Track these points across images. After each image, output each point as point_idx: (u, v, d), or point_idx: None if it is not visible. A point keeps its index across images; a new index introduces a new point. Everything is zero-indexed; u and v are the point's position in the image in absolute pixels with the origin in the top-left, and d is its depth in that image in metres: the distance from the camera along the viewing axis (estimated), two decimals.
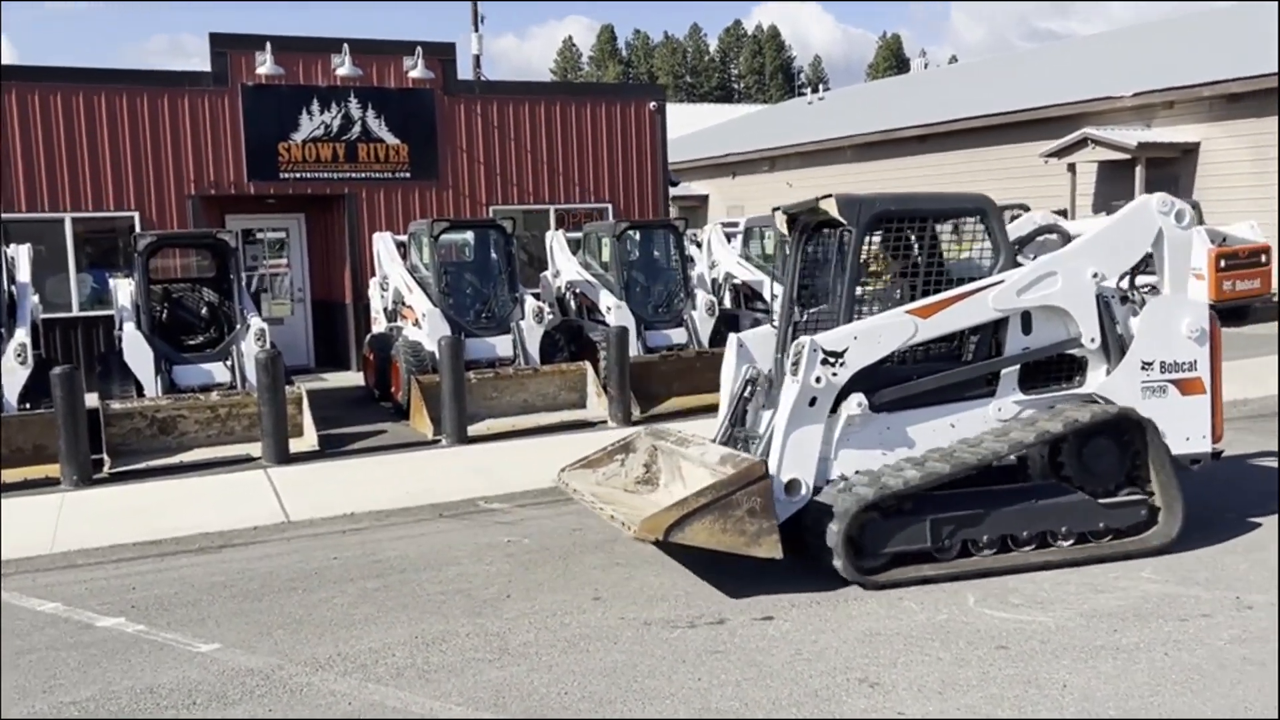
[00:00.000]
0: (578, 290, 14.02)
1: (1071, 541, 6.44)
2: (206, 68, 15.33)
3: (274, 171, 15.53)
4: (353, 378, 15.28)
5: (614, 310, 12.99)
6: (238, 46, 15.35)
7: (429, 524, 7.93)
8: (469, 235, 13.59)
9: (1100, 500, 6.51)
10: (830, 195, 6.71)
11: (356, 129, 15.96)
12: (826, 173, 31.41)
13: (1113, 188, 22.51)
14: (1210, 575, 6.05)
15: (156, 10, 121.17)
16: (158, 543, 7.58)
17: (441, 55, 16.48)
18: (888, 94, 40.84)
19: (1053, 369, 6.91)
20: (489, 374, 11.58)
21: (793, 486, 6.24)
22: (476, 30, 27.52)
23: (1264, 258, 17.89)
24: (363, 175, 16.06)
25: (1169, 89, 21.72)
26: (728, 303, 14.82)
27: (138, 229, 14.24)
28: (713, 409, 11.85)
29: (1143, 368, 6.84)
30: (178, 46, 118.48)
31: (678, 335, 13.25)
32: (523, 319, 12.21)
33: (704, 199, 37.22)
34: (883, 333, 6.41)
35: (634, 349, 12.40)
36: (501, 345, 12.19)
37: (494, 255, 12.83)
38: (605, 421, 11.35)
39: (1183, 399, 6.86)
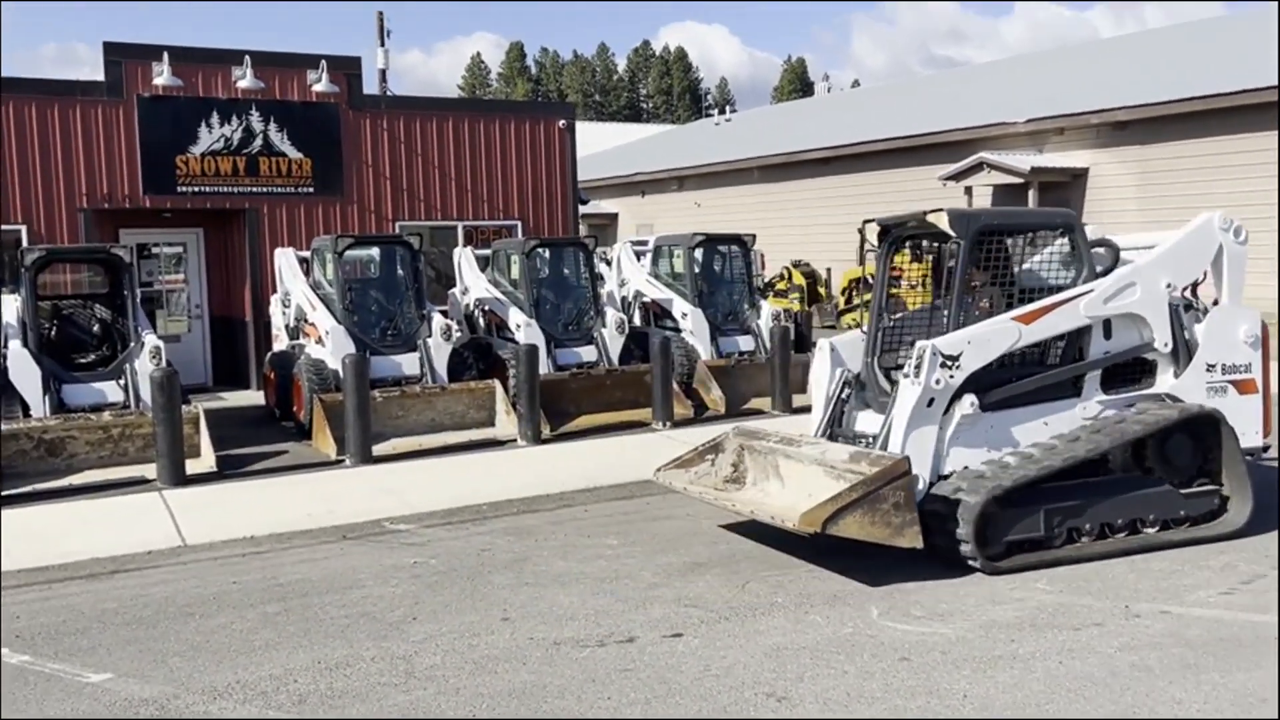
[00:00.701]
0: (486, 308, 13.93)
1: (1156, 528, 6.97)
2: (100, 77, 14.86)
3: (171, 185, 15.11)
4: (253, 397, 14.92)
5: (523, 328, 12.94)
6: (133, 56, 14.91)
7: (332, 546, 7.76)
8: (374, 251, 13.40)
9: (1181, 490, 7.08)
10: (941, 209, 7.26)
11: (258, 142, 15.63)
12: (735, 193, 31.84)
13: None
14: (1101, 585, 6.27)
15: (48, 16, 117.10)
16: (44, 569, 7.27)
17: (346, 69, 16.26)
18: (793, 117, 41.63)
19: (1127, 371, 7.51)
20: (395, 392, 11.41)
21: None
22: (383, 44, 27.24)
23: None
24: (264, 190, 15.72)
25: (1059, 116, 22.58)
26: (637, 321, 14.86)
27: (25, 243, 13.69)
28: (624, 426, 11.97)
29: (1207, 369, 7.55)
30: (70, 55, 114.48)
31: (588, 353, 13.26)
32: (430, 336, 12.07)
33: (614, 217, 37.37)
34: (992, 338, 6.91)
35: (544, 367, 12.36)
36: (408, 363, 12.03)
37: (400, 272, 12.67)
38: (515, 440, 11.28)
39: (1240, 398, 7.57)
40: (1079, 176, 22.30)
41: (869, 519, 6.20)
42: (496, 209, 17.38)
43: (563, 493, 9.04)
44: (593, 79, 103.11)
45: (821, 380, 7.71)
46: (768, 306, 14.57)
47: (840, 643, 5.50)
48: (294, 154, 15.86)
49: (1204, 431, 7.22)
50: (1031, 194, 22.10)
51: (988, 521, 6.50)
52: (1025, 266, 7.58)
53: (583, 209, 29.89)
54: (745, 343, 14.22)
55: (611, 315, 13.39)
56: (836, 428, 7.53)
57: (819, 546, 7.20)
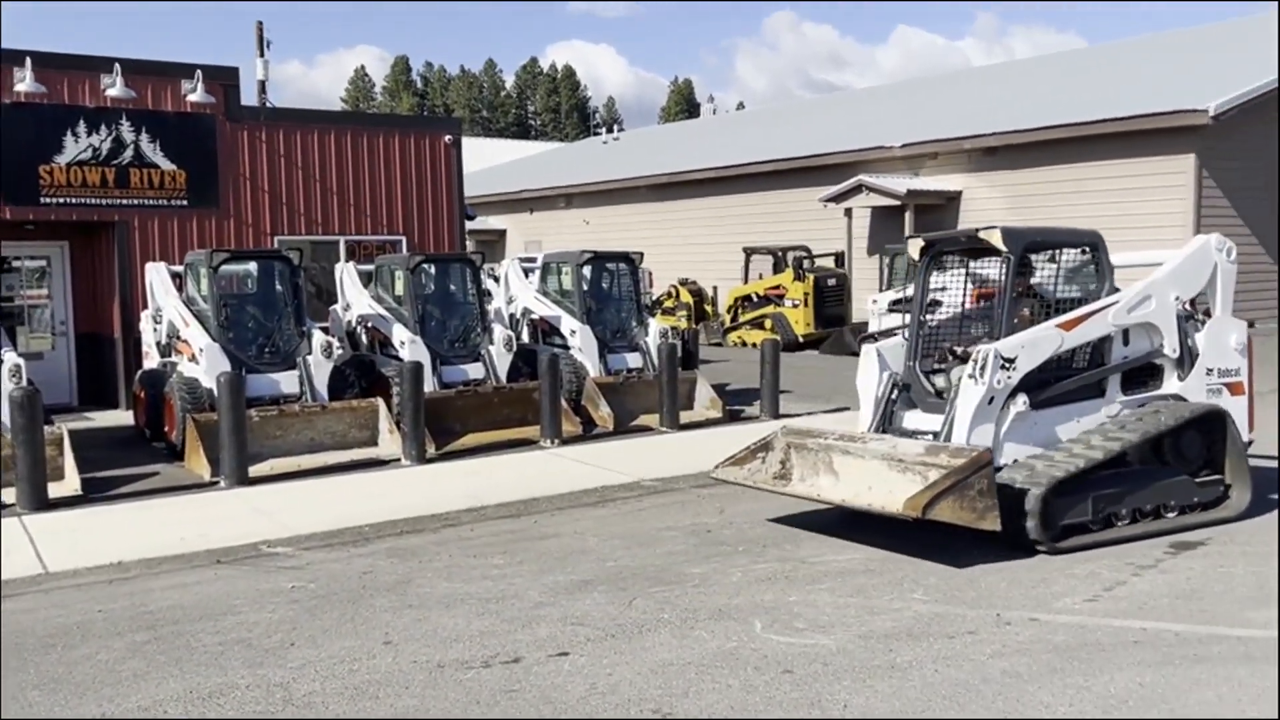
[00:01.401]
0: (369, 324, 13.67)
1: (1176, 513, 7.75)
2: None
3: (34, 196, 14.43)
4: (122, 417, 14.31)
5: (408, 345, 12.74)
6: None
7: (205, 571, 7.49)
8: (252, 266, 13.02)
9: (1196, 478, 7.93)
10: (994, 227, 8.00)
11: (129, 153, 15.06)
12: (623, 211, 32.04)
13: (885, 231, 24.00)
14: (975, 594, 6.48)
15: None
16: None
17: (223, 80, 15.82)
18: (680, 137, 42.15)
19: (1140, 375, 8.39)
20: (273, 411, 11.10)
21: None
22: (262, 55, 26.57)
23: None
24: (135, 202, 15.15)
25: (934, 141, 23.41)
26: (526, 338, 14.78)
27: None
28: (512, 444, 11.88)
29: (1207, 373, 8.48)
30: None
31: (475, 370, 13.12)
32: (310, 354, 11.78)
33: (502, 233, 37.17)
34: (1040, 342, 7.70)
35: (429, 384, 12.19)
36: (287, 381, 11.71)
37: (279, 287, 12.34)
38: (399, 460, 11.08)
39: (1232, 398, 8.51)
40: (953, 199, 23.14)
41: (959, 504, 6.79)
42: (380, 224, 17.11)
43: (448, 512, 8.91)
44: (480, 95, 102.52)
45: (870, 383, 8.43)
46: (655, 324, 14.68)
47: (725, 657, 5.55)
48: (167, 165, 15.33)
49: (1212, 427, 8.11)
50: (908, 216, 22.83)
51: (1049, 508, 7.13)
52: (1049, 279, 8.47)
53: (470, 225, 29.62)
54: (633, 360, 14.29)
55: (499, 332, 13.29)
56: (887, 426, 8.23)
57: (707, 561, 7.27)
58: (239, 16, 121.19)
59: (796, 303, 22.15)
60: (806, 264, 22.69)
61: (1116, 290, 8.19)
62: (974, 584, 6.67)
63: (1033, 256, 8.35)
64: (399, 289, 13.52)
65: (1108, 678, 5.12)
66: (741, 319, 23.57)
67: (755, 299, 23.40)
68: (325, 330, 12.90)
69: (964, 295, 8.87)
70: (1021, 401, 7.64)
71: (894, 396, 8.32)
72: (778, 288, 22.77)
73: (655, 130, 55.74)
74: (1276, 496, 8.63)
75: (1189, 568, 6.86)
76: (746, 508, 8.91)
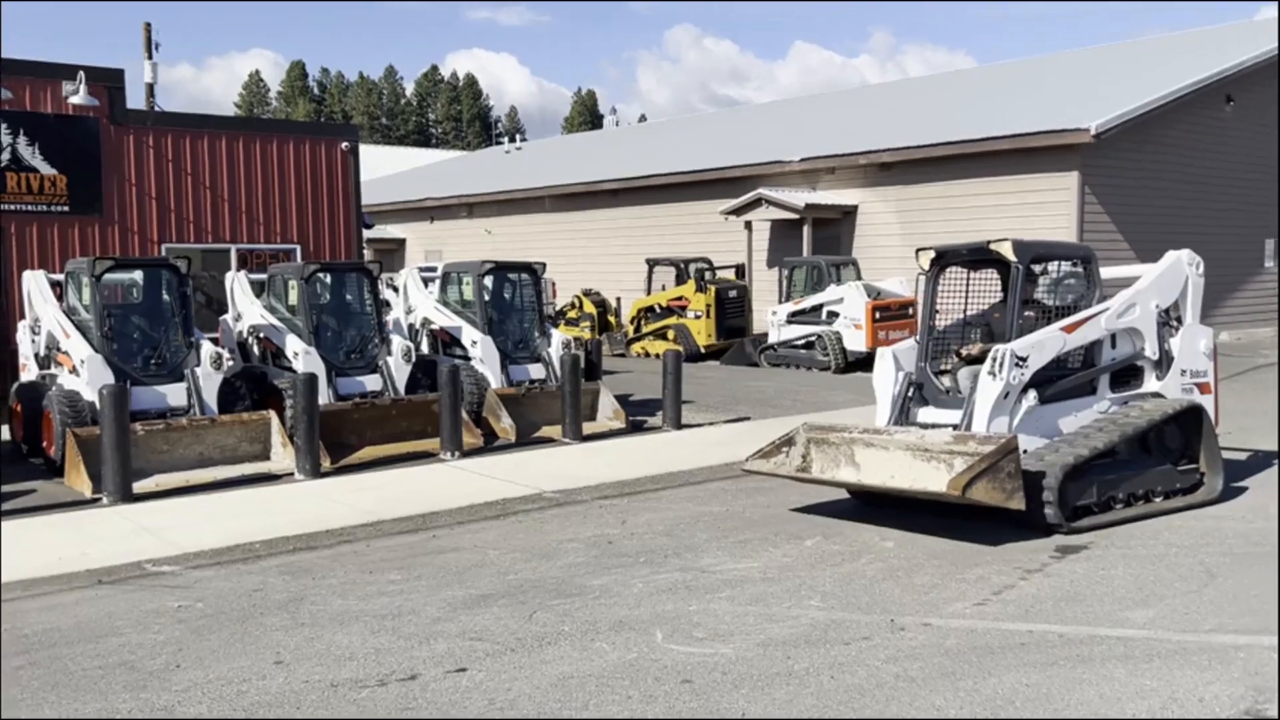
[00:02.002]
0: (262, 335, 13.31)
1: (1162, 498, 8.56)
2: None
3: None
4: None
5: (302, 356, 12.44)
6: None
7: (86, 591, 7.17)
8: (137, 275, 12.55)
9: (1178, 466, 8.79)
10: (1005, 239, 8.75)
11: (5, 156, 14.43)
12: (526, 221, 31.91)
13: (784, 244, 24.39)
14: (870, 600, 6.59)
15: None
16: None
17: (108, 82, 15.27)
18: (583, 147, 42.19)
19: (1124, 376, 9.26)
20: (159, 425, 10.72)
21: None
22: (150, 58, 25.75)
23: (911, 310, 19.94)
24: (12, 207, 14.51)
25: (831, 156, 23.89)
26: (425, 348, 14.57)
27: None
28: (410, 457, 11.68)
29: (1181, 373, 9.39)
30: None
31: (372, 382, 12.88)
32: (198, 365, 11.42)
33: (401, 243, 36.67)
34: (1046, 343, 8.47)
35: (324, 396, 11.93)
36: (174, 394, 11.32)
37: (166, 297, 11.94)
38: (292, 474, 10.80)
39: (1201, 396, 9.41)
40: (849, 213, 23.64)
41: (992, 485, 7.38)
42: (274, 232, 16.70)
43: (343, 528, 8.72)
44: (379, 102, 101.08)
45: (886, 382, 9.07)
46: (558, 335, 14.63)
47: (625, 668, 5.54)
48: (47, 170, 14.72)
49: (1189, 421, 9.00)
50: (806, 229, 23.24)
51: (1064, 491, 7.87)
52: (1045, 288, 9.34)
53: (368, 233, 29.14)
54: (536, 371, 14.21)
55: (397, 343, 13.08)
56: (903, 421, 8.86)
57: (609, 572, 7.25)
58: (125, 17, 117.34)
59: (699, 314, 22.34)
60: (708, 276, 22.91)
61: (1105, 298, 9.09)
62: (869, 590, 6.79)
63: (1034, 267, 9.14)
64: (293, 299, 13.20)
65: (996, 679, 5.25)
66: (644, 330, 23.67)
67: (658, 310, 23.53)
68: (215, 341, 12.53)
69: (965, 303, 9.58)
70: (1032, 397, 8.42)
71: (909, 394, 8.97)
72: (680, 299, 22.93)
73: (558, 140, 55.70)
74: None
75: (1072, 571, 7.10)
76: (648, 518, 8.92)
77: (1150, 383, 9.31)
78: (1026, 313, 8.90)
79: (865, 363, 19.45)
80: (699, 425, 13.65)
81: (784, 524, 8.59)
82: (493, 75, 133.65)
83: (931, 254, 9.24)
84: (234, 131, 16.86)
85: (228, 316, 14.07)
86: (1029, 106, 23.62)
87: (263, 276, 14.07)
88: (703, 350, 22.02)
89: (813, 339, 19.96)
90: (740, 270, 23.94)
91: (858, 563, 7.42)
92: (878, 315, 19.33)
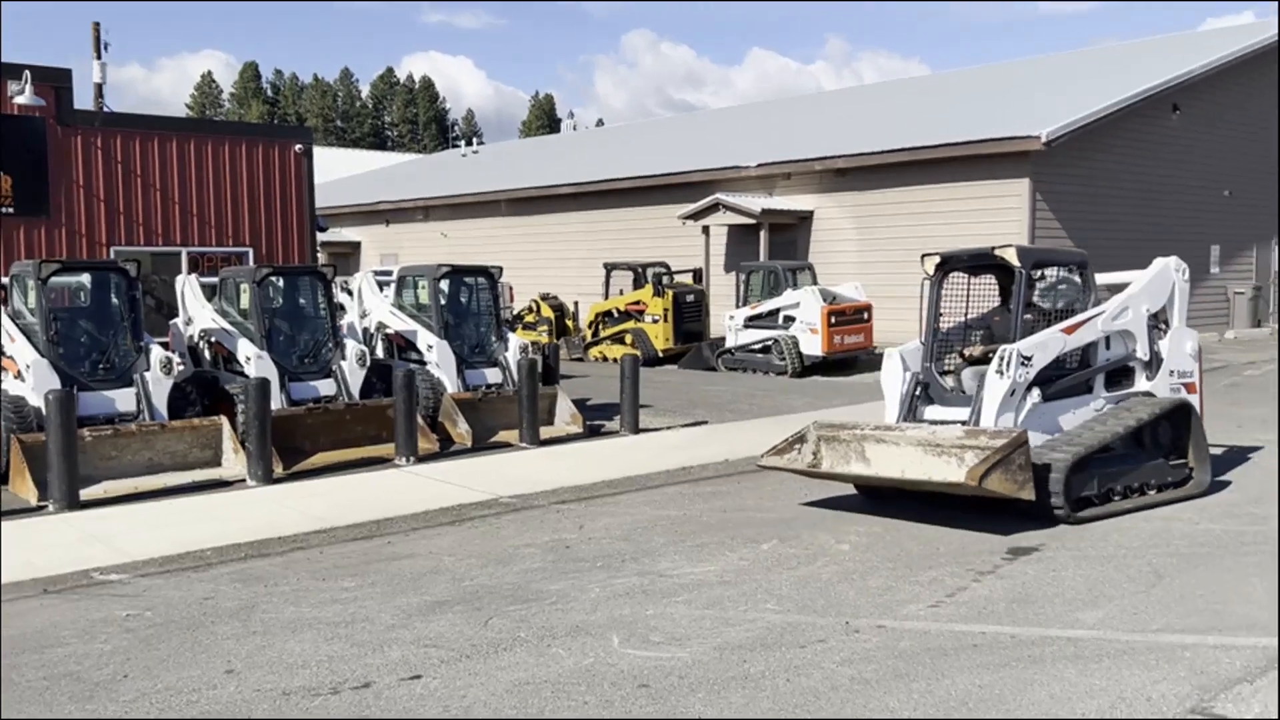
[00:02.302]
0: (213, 339, 13.12)
1: (1155, 490, 9.04)
2: None
3: None
4: None
5: (254, 360, 12.28)
6: None
7: (31, 601, 7.02)
8: (85, 278, 12.33)
9: (1169, 461, 9.25)
10: (1009, 245, 9.25)
11: None
12: (482, 224, 31.77)
13: (741, 248, 24.50)
14: (825, 603, 6.63)
15: None
16: None
17: (55, 82, 14.99)
18: (541, 151, 42.10)
19: (1117, 376, 9.75)
20: (107, 431, 10.52)
21: None
22: (99, 58, 25.32)
23: (866, 315, 20.13)
24: None
25: (787, 162, 24.04)
26: (380, 353, 14.44)
27: None
28: (365, 463, 11.56)
29: (1170, 374, 9.90)
30: None
31: (325, 387, 12.74)
32: (148, 370, 11.23)
33: (356, 246, 36.36)
34: (1049, 343, 8.95)
35: (277, 402, 11.78)
36: (122, 399, 11.13)
37: (115, 300, 11.73)
38: (244, 480, 10.66)
39: (1187, 395, 9.89)
40: (805, 218, 23.79)
41: (1005, 476, 7.76)
42: (226, 235, 16.49)
43: (295, 535, 8.61)
44: (334, 104, 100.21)
45: (894, 381, 9.42)
46: (515, 339, 14.57)
47: (582, 674, 5.52)
48: None
49: (1180, 418, 9.47)
50: (763, 234, 23.36)
51: (1070, 483, 8.25)
52: (1040, 292, 9.80)
53: (323, 237, 28.88)
54: (493, 375, 14.14)
55: (352, 347, 12.95)
56: (910, 418, 9.21)
57: (565, 577, 7.23)
58: (73, 16, 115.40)
59: (656, 318, 22.36)
60: (666, 280, 22.95)
61: (1100, 302, 9.65)
62: (824, 593, 6.83)
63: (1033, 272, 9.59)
64: (245, 303, 13.02)
65: (950, 681, 5.30)
66: (602, 334, 23.65)
67: (616, 314, 23.52)
68: (165, 346, 12.34)
69: (967, 306, 10.01)
70: (1036, 395, 8.89)
71: (916, 393, 9.34)
72: (638, 303, 22.94)
73: (515, 144, 55.55)
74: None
75: (1024, 573, 7.18)
76: (605, 523, 8.91)
77: (1141, 382, 9.82)
78: (1025, 315, 9.31)
79: (821, 367, 19.60)
80: (657, 429, 13.66)
81: (741, 528, 8.62)
82: (449, 78, 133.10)
83: (936, 259, 9.65)
84: (185, 133, 16.62)
85: (178, 320, 13.86)
86: (981, 114, 23.93)
87: (214, 280, 13.87)
88: (660, 354, 22.05)
89: (769, 343, 20.05)
90: (698, 275, 24.01)
91: (813, 566, 7.46)
92: (833, 320, 19.47)
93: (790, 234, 23.91)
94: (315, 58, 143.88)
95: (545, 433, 13.02)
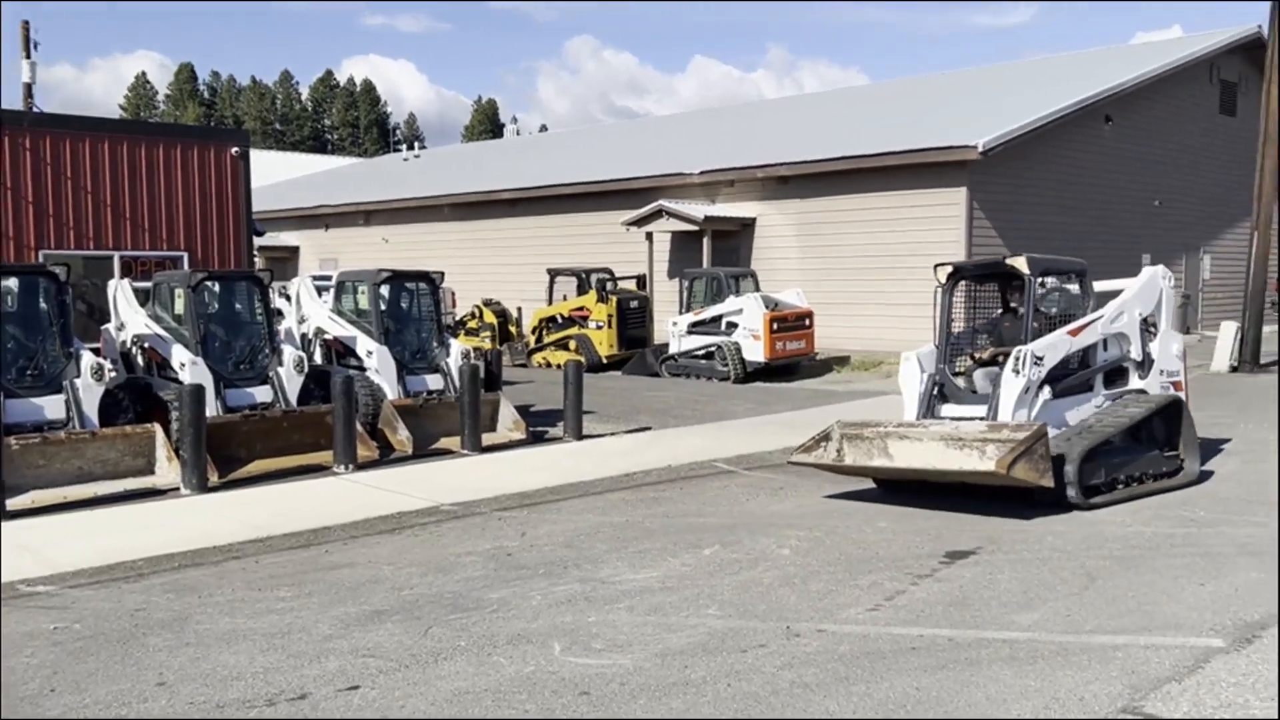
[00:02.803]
0: (146, 345, 12.84)
1: (1153, 480, 9.81)
2: None
3: None
4: None
5: (188, 366, 12.03)
6: None
7: None
8: (11, 282, 11.95)
9: (1163, 452, 10.09)
10: (1020, 255, 10.08)
11: None
12: (424, 229, 31.51)
13: (684, 255, 24.59)
14: (766, 608, 6.66)
15: None
16: None
17: None
18: (484, 156, 41.90)
19: (1113, 376, 10.62)
20: (35, 439, 10.23)
21: None
22: (28, 57, 24.73)
23: (807, 321, 20.31)
24: None
25: (730, 169, 24.18)
26: (319, 359, 14.24)
27: None
28: (303, 470, 11.39)
29: (1160, 373, 10.78)
30: None
31: (262, 393, 12.53)
32: (78, 376, 10.95)
33: (295, 250, 35.84)
34: (1058, 345, 9.77)
35: (212, 408, 11.56)
36: (51, 406, 10.84)
37: (43, 305, 11.42)
38: (178, 489, 10.43)
39: (1175, 393, 10.71)
40: (748, 226, 23.95)
41: (1029, 465, 8.46)
42: (160, 239, 16.14)
43: (230, 544, 8.45)
44: (273, 107, 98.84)
45: (913, 382, 10.10)
46: (457, 345, 14.45)
47: (523, 682, 5.48)
48: None
49: (1173, 413, 10.29)
50: (706, 241, 23.47)
51: (1082, 472, 9.01)
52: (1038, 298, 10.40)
53: (260, 241, 28.45)
54: (434, 382, 14.01)
55: (289, 353, 12.75)
56: (928, 416, 9.89)
57: (507, 585, 7.18)
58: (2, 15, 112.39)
59: (600, 324, 22.35)
60: (610, 286, 22.96)
61: (1099, 308, 10.49)
62: (765, 598, 6.86)
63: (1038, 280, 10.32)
64: (179, 308, 12.77)
65: (888, 684, 5.35)
66: (546, 340, 23.58)
67: (560, 320, 23.47)
68: (96, 351, 12.05)
69: (973, 312, 10.76)
70: (1047, 392, 9.69)
71: (934, 392, 10.02)
72: (582, 309, 22.91)
73: (458, 149, 55.22)
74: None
75: (961, 576, 7.28)
76: (548, 530, 8.87)
77: (1135, 381, 10.70)
78: (1034, 322, 10.09)
79: (764, 373, 19.73)
80: (600, 435, 13.64)
81: (683, 533, 8.63)
82: (390, 81, 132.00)
83: (948, 269, 10.43)
84: (118, 134, 16.26)
85: (110, 326, 13.55)
86: (920, 124, 24.29)
87: (148, 285, 13.58)
88: (604, 360, 22.03)
89: (713, 349, 20.14)
90: (641, 281, 24.05)
91: (755, 570, 7.49)
92: (775, 326, 19.62)
93: (733, 241, 24.06)
94: (253, 59, 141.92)
95: (487, 439, 12.94)
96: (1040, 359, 9.55)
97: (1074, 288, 10.83)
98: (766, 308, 19.72)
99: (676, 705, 5.14)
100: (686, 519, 9.19)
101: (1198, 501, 9.45)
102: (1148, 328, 10.86)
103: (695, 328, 20.69)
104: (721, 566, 7.62)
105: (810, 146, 23.98)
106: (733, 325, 20.10)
